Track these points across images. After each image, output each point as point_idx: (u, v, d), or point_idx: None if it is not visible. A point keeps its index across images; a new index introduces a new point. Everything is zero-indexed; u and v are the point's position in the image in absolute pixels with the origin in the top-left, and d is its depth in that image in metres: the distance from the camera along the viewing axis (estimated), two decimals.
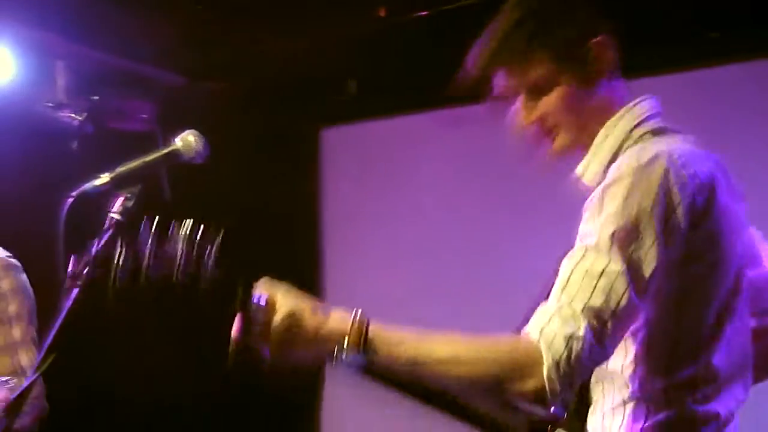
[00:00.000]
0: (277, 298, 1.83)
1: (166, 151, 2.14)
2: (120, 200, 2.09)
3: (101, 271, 2.01)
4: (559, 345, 1.87)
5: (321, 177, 6.23)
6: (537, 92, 2.18)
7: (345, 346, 1.81)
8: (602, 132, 2.19)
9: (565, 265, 1.98)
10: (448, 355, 1.88)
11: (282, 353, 1.81)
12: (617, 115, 2.20)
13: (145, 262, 1.81)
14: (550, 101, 2.18)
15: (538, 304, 1.98)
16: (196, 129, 2.18)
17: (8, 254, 3.41)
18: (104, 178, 2.11)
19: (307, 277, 6.03)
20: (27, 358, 3.25)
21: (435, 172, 5.73)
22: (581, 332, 1.88)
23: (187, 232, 1.81)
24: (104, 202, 2.12)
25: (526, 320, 1.96)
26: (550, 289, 1.98)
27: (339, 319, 1.85)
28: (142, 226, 1.90)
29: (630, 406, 2.09)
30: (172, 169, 2.19)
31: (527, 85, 2.18)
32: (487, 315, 5.25)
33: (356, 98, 5.77)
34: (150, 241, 1.76)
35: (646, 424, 2.07)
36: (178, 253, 1.75)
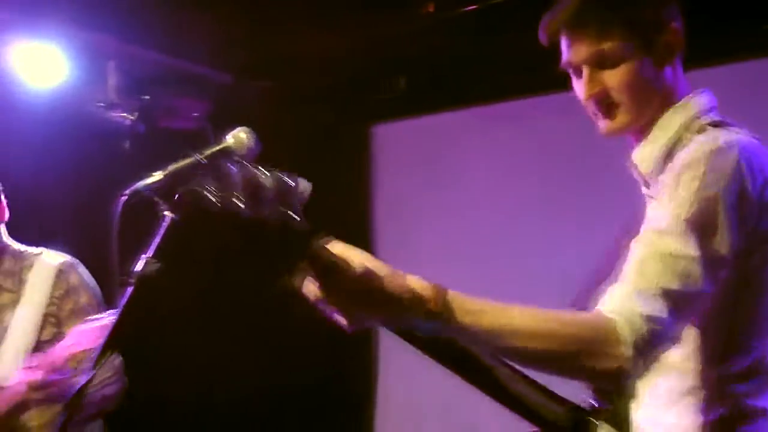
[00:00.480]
0: (354, 255, 1.74)
1: (217, 148, 2.14)
2: (174, 197, 2.10)
3: (158, 268, 2.03)
4: (640, 324, 1.85)
5: (371, 174, 6.23)
6: (606, 63, 2.14)
7: (424, 310, 1.75)
8: (663, 120, 2.16)
9: (638, 249, 1.96)
10: (526, 327, 1.83)
11: (356, 312, 1.73)
12: (679, 104, 2.18)
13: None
14: (616, 75, 2.14)
15: (590, 293, 1.97)
16: (246, 127, 2.18)
17: (65, 256, 3.54)
18: (157, 176, 2.12)
19: None
20: None
21: (485, 167, 5.71)
22: (661, 314, 1.86)
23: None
24: (158, 200, 2.13)
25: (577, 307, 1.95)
26: (601, 278, 1.97)
27: (417, 283, 1.78)
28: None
29: (686, 400, 2.07)
30: None
31: (598, 54, 2.14)
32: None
33: (406, 94, 5.75)
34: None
35: (702, 418, 2.05)
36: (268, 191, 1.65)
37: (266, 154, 2.18)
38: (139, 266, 2.07)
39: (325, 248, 1.69)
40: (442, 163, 5.91)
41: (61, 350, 3.18)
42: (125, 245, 2.13)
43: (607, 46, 2.13)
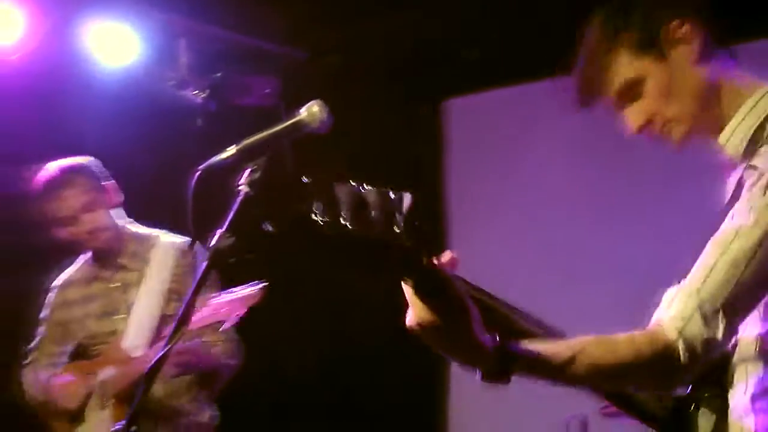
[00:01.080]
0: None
1: (291, 122, 2.12)
2: (247, 172, 2.09)
3: (233, 243, 2.02)
4: (700, 350, 1.88)
5: (444, 148, 6.18)
6: (633, 94, 2.12)
7: (485, 373, 1.75)
8: (751, 100, 2.09)
9: (713, 250, 1.94)
10: (588, 367, 1.84)
11: (433, 342, 1.73)
12: (761, 90, 2.11)
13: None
14: (648, 99, 2.12)
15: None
16: (319, 100, 2.16)
17: (183, 237, 3.75)
18: (231, 150, 2.11)
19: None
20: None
21: (561, 141, 5.62)
22: (720, 334, 1.89)
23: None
24: (231, 175, 2.12)
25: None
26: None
27: (481, 342, 1.75)
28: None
29: None
30: (296, 143, 2.18)
31: (622, 89, 2.13)
32: (604, 288, 5.28)
33: (479, 67, 5.68)
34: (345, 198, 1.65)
35: None
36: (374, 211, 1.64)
37: (338, 131, 2.16)
38: (213, 241, 2.07)
39: (436, 269, 1.68)
40: (517, 139, 5.84)
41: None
42: (200, 221, 2.13)
43: (622, 77, 2.12)
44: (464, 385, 5.86)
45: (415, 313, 1.68)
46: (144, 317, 3.65)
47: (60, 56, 5.25)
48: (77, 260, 3.94)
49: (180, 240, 3.75)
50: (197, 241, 3.50)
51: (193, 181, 2.10)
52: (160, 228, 3.91)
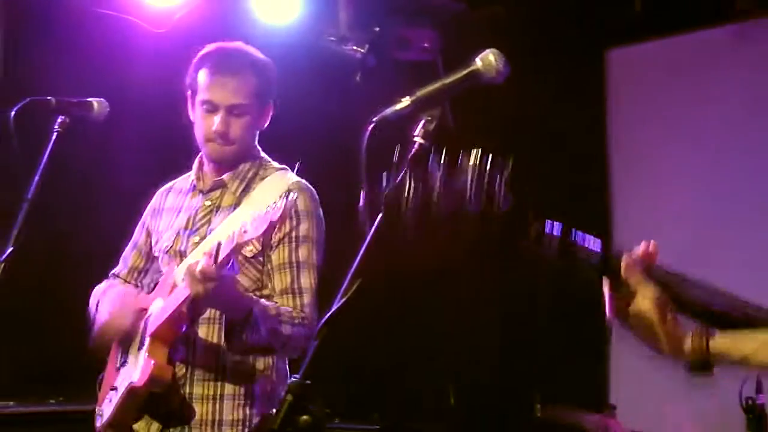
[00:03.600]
0: (640, 285, 1.84)
1: (466, 71, 2.08)
2: (421, 123, 2.06)
3: (399, 199, 2.00)
4: None
5: (607, 100, 6.05)
6: None
7: (691, 362, 1.85)
8: None
9: None
10: None
11: (638, 334, 1.85)
12: None
13: (435, 194, 1.75)
14: None
15: None
16: (495, 49, 2.10)
17: (301, 180, 3.31)
18: (404, 102, 2.08)
19: (595, 199, 5.96)
20: (307, 280, 3.21)
21: (727, 92, 5.44)
22: None
23: (476, 163, 1.74)
24: (405, 126, 2.09)
25: None
26: None
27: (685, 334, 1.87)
28: (431, 158, 1.85)
29: None
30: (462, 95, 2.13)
31: None
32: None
33: (642, 16, 5.53)
34: (440, 173, 1.69)
35: None
36: (468, 185, 1.68)
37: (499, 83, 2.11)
38: (387, 192, 2.04)
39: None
40: (681, 88, 5.67)
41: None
42: (373, 173, 2.10)
43: None
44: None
45: (612, 306, 1.80)
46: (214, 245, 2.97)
47: (222, 16, 5.33)
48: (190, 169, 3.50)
49: (295, 179, 3.28)
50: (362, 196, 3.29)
51: (367, 133, 2.07)
52: (314, 180, 3.41)
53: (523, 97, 5.37)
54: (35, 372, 5.21)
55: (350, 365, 5.65)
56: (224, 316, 3.10)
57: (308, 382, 1.98)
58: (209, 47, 3.33)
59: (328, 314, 2.08)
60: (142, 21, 5.18)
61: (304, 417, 1.92)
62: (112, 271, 3.56)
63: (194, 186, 3.39)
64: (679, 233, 5.22)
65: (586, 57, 5.97)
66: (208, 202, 3.31)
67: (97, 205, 5.36)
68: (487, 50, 2.08)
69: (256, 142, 3.38)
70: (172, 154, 5.21)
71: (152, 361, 3.05)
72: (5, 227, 2.94)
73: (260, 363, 3.23)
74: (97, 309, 3.37)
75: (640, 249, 1.85)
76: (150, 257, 3.47)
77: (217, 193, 3.32)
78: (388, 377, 6.12)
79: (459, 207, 1.76)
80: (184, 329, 3.14)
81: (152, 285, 3.37)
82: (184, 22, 5.15)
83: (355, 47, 5.29)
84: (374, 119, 2.08)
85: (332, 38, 5.31)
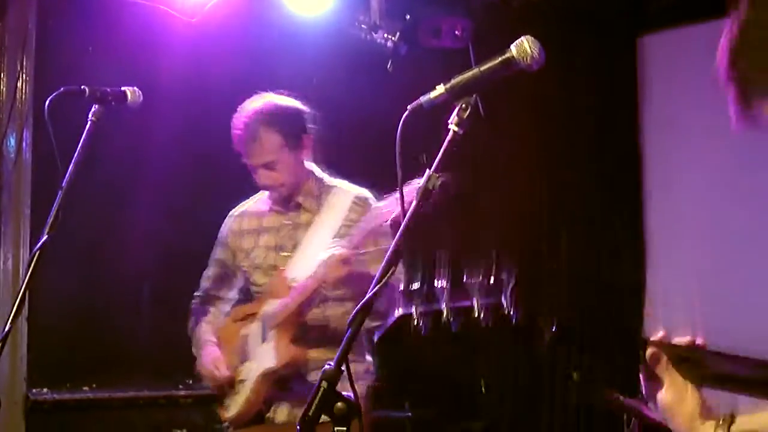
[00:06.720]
0: (666, 374, 1.82)
1: (501, 59, 2.06)
2: (456, 111, 2.05)
3: (441, 182, 1.99)
4: None
5: (639, 87, 5.99)
6: None
7: None
8: None
9: None
10: None
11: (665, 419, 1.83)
12: None
13: (444, 318, 1.75)
14: None
15: None
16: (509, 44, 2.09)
17: (363, 189, 3.79)
18: (439, 89, 2.07)
19: (626, 183, 5.93)
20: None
21: None
22: None
23: (480, 279, 1.74)
24: (440, 113, 2.09)
25: None
26: None
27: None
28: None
29: None
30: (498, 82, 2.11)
31: None
32: None
33: (675, 2, 5.49)
34: (445, 295, 1.69)
35: None
36: (476, 305, 1.68)
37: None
38: (423, 180, 2.04)
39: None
40: (714, 76, 5.61)
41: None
42: (408, 160, 2.10)
43: None
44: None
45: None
46: (309, 258, 3.61)
47: (253, 6, 5.34)
48: (256, 194, 3.97)
49: (359, 190, 3.77)
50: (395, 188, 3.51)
51: (402, 121, 2.06)
52: (348, 171, 3.93)
53: (556, 84, 5.36)
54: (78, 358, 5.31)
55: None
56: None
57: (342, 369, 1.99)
58: (235, 118, 3.73)
59: (363, 300, 2.09)
60: (174, 10, 5.19)
61: (339, 404, 1.93)
62: (198, 292, 4.01)
63: (271, 208, 3.82)
64: (711, 220, 5.17)
65: (619, 43, 5.92)
66: (289, 222, 3.76)
67: (131, 192, 5.39)
68: (522, 38, 2.07)
69: (310, 162, 3.80)
70: (203, 141, 5.24)
71: (285, 345, 3.60)
72: (41, 216, 2.97)
73: None
74: (195, 344, 3.89)
75: (660, 334, 1.83)
76: (235, 273, 3.91)
77: (294, 212, 3.77)
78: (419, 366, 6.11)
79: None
80: (303, 316, 3.63)
81: (252, 295, 3.87)
82: (216, 11, 5.16)
83: (386, 35, 5.28)
84: (409, 107, 2.07)
85: (363, 26, 5.30)
